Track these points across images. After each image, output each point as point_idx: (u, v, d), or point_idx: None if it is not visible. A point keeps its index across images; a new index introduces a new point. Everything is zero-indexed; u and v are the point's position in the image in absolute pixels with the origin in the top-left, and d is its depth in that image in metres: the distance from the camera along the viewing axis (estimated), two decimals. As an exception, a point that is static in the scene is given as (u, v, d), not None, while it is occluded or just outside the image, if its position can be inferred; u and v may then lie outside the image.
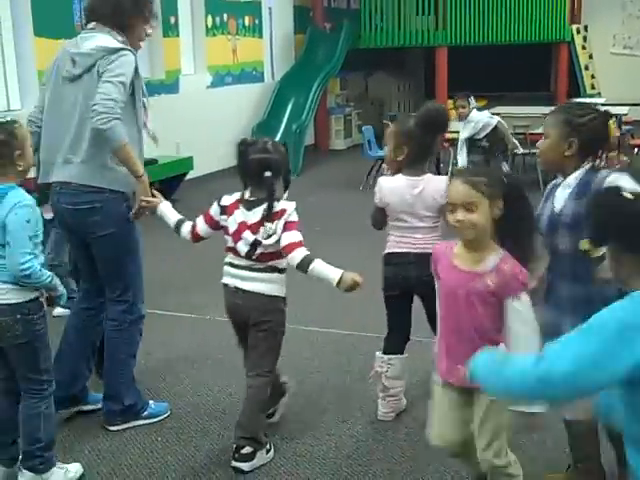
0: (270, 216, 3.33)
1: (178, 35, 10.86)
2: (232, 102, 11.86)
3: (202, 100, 11.19)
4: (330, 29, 13.94)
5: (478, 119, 8.25)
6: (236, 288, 3.44)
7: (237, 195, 3.44)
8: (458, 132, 8.91)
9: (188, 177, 10.07)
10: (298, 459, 3.54)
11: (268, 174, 3.33)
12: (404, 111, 15.34)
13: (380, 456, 3.55)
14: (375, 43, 13.98)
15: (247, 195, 3.40)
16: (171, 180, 9.48)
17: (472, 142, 8.48)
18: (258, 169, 3.33)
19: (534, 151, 10.57)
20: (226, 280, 3.49)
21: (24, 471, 3.23)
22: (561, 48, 14.63)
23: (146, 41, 3.87)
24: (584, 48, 14.83)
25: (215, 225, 3.49)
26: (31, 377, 3.16)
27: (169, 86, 10.60)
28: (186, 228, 3.57)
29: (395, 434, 3.73)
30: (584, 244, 2.15)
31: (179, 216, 3.64)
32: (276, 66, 13.20)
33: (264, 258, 3.38)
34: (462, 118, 8.52)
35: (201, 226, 3.52)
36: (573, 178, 2.87)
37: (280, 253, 3.36)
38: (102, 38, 3.59)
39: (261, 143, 3.42)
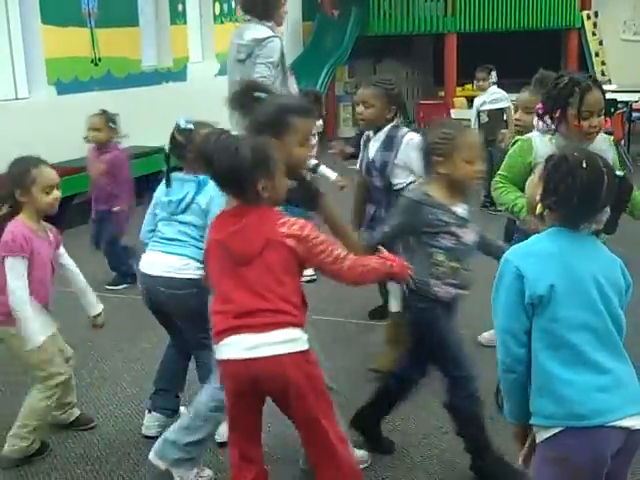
0: None
1: (186, 22, 10.81)
2: (240, 90, 11.80)
3: (210, 88, 11.10)
4: (338, 16, 13.86)
5: (495, 90, 8.33)
6: None
7: None
8: (468, 120, 8.83)
9: (196, 164, 10.03)
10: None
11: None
12: (413, 99, 15.27)
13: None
14: (383, 30, 13.91)
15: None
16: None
17: (477, 114, 8.51)
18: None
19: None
20: None
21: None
22: (571, 34, 14.53)
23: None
24: (594, 34, 14.72)
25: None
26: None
27: (177, 74, 10.58)
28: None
29: (402, 422, 3.74)
30: (539, 208, 2.17)
31: None
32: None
33: None
34: (480, 90, 8.55)
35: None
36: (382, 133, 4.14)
37: None
38: (255, 30, 4.94)
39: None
